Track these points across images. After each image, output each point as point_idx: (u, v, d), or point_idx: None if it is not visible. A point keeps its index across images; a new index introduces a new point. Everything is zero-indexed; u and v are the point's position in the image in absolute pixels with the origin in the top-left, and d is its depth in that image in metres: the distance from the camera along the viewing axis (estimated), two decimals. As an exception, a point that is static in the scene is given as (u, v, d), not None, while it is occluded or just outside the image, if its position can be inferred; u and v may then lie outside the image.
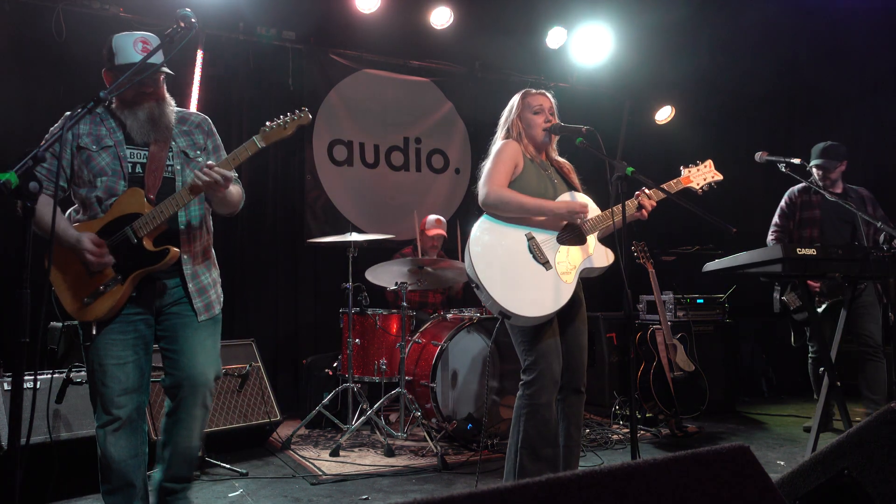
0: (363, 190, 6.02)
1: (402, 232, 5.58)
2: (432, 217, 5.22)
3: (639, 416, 4.56)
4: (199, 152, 2.47)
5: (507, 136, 2.90)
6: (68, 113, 2.17)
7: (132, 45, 2.27)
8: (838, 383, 3.08)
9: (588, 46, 6.35)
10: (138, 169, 2.34)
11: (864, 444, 1.43)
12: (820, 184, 4.32)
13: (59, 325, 3.81)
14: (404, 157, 6.24)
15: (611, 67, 6.57)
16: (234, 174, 2.35)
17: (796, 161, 3.40)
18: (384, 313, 4.48)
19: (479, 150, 6.25)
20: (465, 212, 6.19)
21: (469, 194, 6.27)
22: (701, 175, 2.95)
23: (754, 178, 5.94)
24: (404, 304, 4.30)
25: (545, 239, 2.74)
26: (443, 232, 5.15)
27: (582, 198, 2.87)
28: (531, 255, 2.70)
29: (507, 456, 2.75)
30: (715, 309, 5.35)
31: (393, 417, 4.72)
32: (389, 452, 3.92)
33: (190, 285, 2.41)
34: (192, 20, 2.13)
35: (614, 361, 5.23)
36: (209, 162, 2.31)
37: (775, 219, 4.60)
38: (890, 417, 1.42)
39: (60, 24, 4.65)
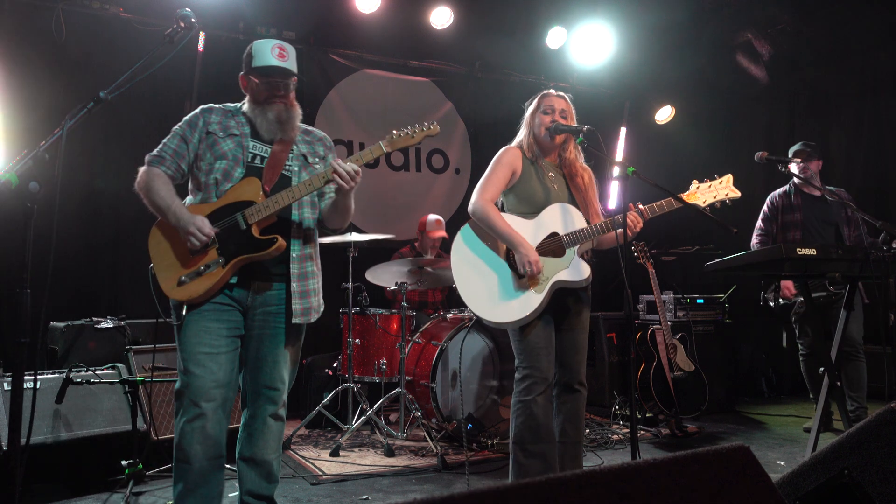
0: (363, 190, 5.95)
1: (402, 232, 5.58)
2: (432, 217, 5.21)
3: (639, 416, 4.56)
4: (318, 160, 2.52)
5: (519, 136, 2.97)
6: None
7: (269, 50, 2.35)
8: (838, 383, 3.09)
9: (588, 46, 6.34)
10: (258, 161, 2.38)
11: (864, 444, 1.43)
12: (802, 177, 4.33)
13: (60, 325, 3.84)
14: (404, 157, 6.24)
15: (611, 67, 6.57)
16: (358, 173, 2.35)
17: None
18: (384, 313, 4.48)
19: (479, 150, 6.32)
20: (465, 212, 6.13)
21: (469, 195, 6.24)
22: (712, 192, 2.76)
23: (754, 178, 5.94)
24: (404, 304, 4.30)
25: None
26: (444, 234, 5.15)
27: (574, 211, 2.86)
28: (506, 264, 2.80)
29: (510, 454, 2.83)
30: (715, 309, 5.35)
31: (393, 417, 4.72)
32: (389, 452, 3.92)
33: (294, 285, 2.37)
34: (193, 20, 2.16)
35: (614, 361, 5.23)
36: (335, 160, 2.38)
37: (758, 223, 4.66)
38: (890, 417, 1.42)
39: (60, 24, 4.64)
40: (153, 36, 4.75)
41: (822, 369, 3.13)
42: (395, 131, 2.42)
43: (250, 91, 2.42)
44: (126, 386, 3.31)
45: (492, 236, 2.84)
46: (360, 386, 4.44)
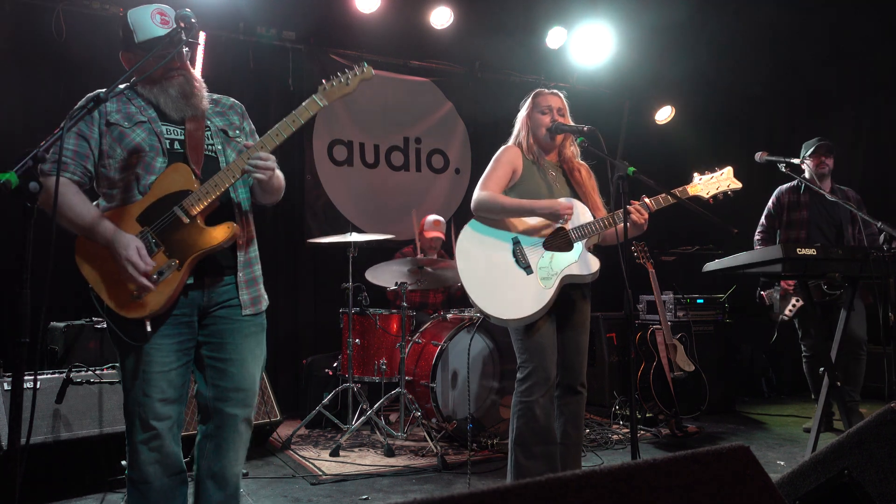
0: (363, 190, 6.02)
1: (402, 232, 5.58)
2: (431, 218, 5.22)
3: (639, 416, 4.56)
4: (237, 132, 2.28)
5: (517, 135, 2.95)
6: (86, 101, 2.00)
7: (150, 19, 2.07)
8: (838, 383, 3.09)
9: (588, 46, 6.34)
10: (177, 146, 2.12)
11: (864, 444, 1.43)
12: (815, 175, 4.31)
13: (60, 325, 3.83)
14: (404, 157, 6.24)
15: (611, 67, 6.57)
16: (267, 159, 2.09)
17: (796, 161, 3.40)
18: (384, 313, 4.48)
19: (479, 150, 6.32)
20: (465, 212, 6.18)
21: (469, 194, 6.24)
22: (714, 183, 2.79)
23: (755, 178, 5.94)
24: (404, 304, 4.30)
25: (531, 244, 2.79)
26: (440, 234, 5.15)
27: (578, 205, 2.84)
28: (514, 260, 2.77)
29: (508, 455, 2.80)
30: (715, 309, 5.35)
31: (393, 417, 4.72)
32: (389, 452, 3.92)
33: (241, 274, 2.17)
34: (192, 20, 2.09)
35: (614, 361, 5.23)
36: (247, 142, 2.15)
37: (762, 219, 4.62)
38: (890, 417, 1.42)
39: (60, 24, 4.65)
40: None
41: (821, 369, 3.13)
42: (325, 82, 2.15)
43: (142, 70, 2.06)
44: (126, 386, 3.30)
45: (496, 233, 2.80)
46: (359, 386, 4.44)
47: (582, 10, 6.17)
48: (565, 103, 2.93)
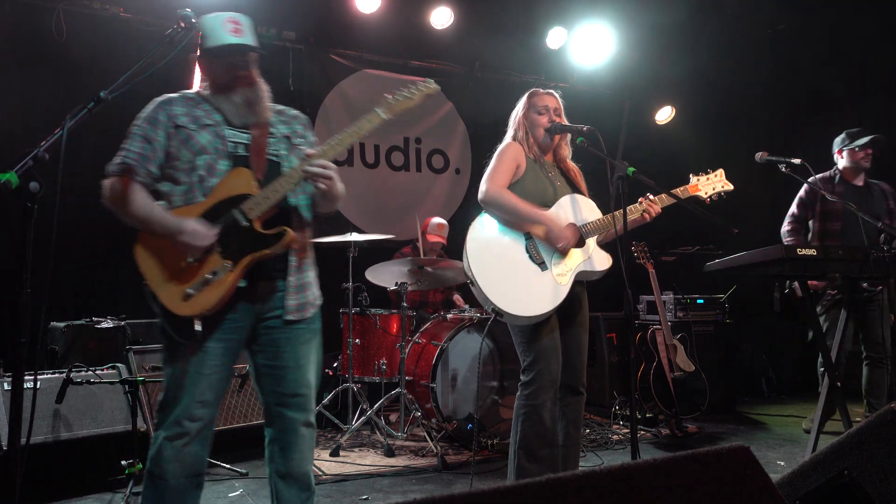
0: (363, 190, 6.01)
1: (403, 232, 5.58)
2: (435, 221, 5.21)
3: (639, 417, 4.56)
4: (300, 139, 2.30)
5: (514, 135, 2.93)
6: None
7: (222, 27, 2.11)
8: (838, 384, 3.08)
9: (588, 46, 6.35)
10: (240, 150, 2.14)
11: (864, 444, 1.43)
12: (854, 167, 4.22)
13: (60, 325, 3.84)
14: (404, 157, 6.24)
15: (611, 67, 6.57)
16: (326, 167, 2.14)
17: (796, 161, 3.38)
18: (384, 313, 4.48)
19: (479, 150, 6.31)
20: (466, 212, 6.18)
21: (469, 195, 6.26)
22: (710, 184, 2.88)
23: (755, 178, 5.94)
24: (404, 304, 4.30)
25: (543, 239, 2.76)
26: (442, 240, 5.15)
27: (585, 202, 2.86)
28: (528, 255, 2.73)
29: (509, 456, 2.77)
30: (715, 309, 5.35)
31: (393, 417, 4.72)
32: (389, 452, 3.92)
33: (291, 279, 2.17)
34: (193, 20, 2.10)
35: (614, 362, 5.23)
36: (308, 150, 2.17)
37: (793, 209, 4.42)
38: (890, 417, 1.42)
39: (60, 24, 4.64)
40: (153, 36, 4.75)
41: (821, 369, 3.13)
42: (388, 96, 2.20)
43: (209, 75, 2.17)
44: (126, 386, 3.30)
45: (508, 229, 2.76)
46: (360, 386, 4.44)
47: (582, 10, 6.17)
48: (561, 103, 2.93)
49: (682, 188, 2.88)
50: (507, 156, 2.83)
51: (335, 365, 4.67)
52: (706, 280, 4.18)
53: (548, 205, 2.81)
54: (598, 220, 2.79)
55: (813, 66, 6.05)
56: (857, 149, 4.25)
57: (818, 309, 4.27)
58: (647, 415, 4.58)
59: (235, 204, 2.07)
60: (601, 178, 2.99)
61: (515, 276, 2.68)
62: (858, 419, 4.21)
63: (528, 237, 2.75)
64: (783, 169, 3.41)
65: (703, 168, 2.94)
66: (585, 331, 2.87)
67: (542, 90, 2.94)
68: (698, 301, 5.28)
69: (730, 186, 2.88)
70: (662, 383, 4.43)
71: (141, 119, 2.13)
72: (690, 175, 2.92)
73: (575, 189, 2.93)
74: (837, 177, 4.33)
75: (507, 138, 2.95)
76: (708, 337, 5.22)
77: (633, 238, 4.45)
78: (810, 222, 4.39)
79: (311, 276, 2.27)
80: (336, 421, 4.45)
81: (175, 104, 2.14)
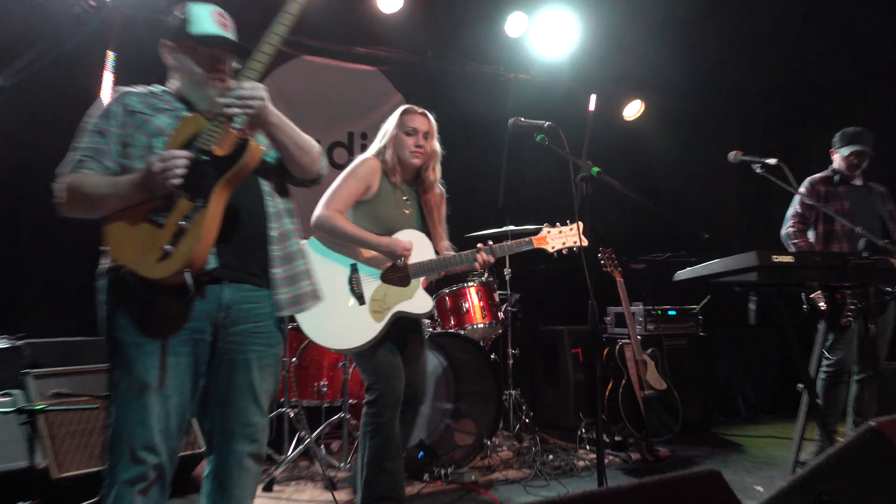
0: (299, 191, 5.92)
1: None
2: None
3: (606, 440, 4.61)
4: None
5: (379, 151, 3.10)
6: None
7: (210, 16, 2.19)
8: (817, 400, 3.16)
9: (551, 35, 6.40)
10: None
11: (843, 466, 1.46)
12: (851, 167, 4.40)
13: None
14: (348, 153, 6.20)
15: (575, 58, 6.63)
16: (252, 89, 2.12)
17: (772, 161, 3.47)
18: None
19: (432, 146, 6.30)
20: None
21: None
22: (561, 238, 3.01)
23: (727, 179, 6.09)
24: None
25: (368, 273, 2.95)
26: None
27: (422, 240, 3.03)
28: (349, 287, 2.92)
29: (356, 471, 3.03)
30: (688, 321, 5.43)
31: (335, 446, 4.66)
32: (330, 486, 3.86)
33: (277, 270, 2.12)
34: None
35: (580, 380, 5.28)
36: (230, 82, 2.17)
37: (794, 210, 4.48)
38: (870, 437, 1.46)
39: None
40: (57, 16, 4.60)
41: (799, 386, 3.21)
42: None
43: (189, 60, 2.17)
44: (23, 416, 3.17)
45: (335, 256, 2.95)
46: (297, 411, 4.37)
47: (544, -6, 6.23)
48: (433, 126, 3.10)
49: (527, 239, 3.01)
50: (358, 175, 3.01)
51: (269, 388, 4.59)
52: (679, 289, 4.25)
53: (387, 233, 2.98)
54: (429, 261, 2.95)
55: (791, 63, 6.24)
56: (843, 150, 4.44)
57: (841, 321, 4.27)
58: (616, 438, 4.63)
59: (191, 145, 2.01)
60: (564, 178, 3.01)
61: (331, 307, 2.81)
62: (840, 439, 4.34)
63: (354, 269, 2.93)
64: (757, 170, 3.49)
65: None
66: (417, 362, 3.08)
67: (417, 109, 3.12)
68: (670, 312, 5.36)
69: (584, 242, 2.97)
70: (632, 403, 4.49)
71: (93, 114, 2.13)
72: (545, 225, 3.03)
73: (424, 223, 3.11)
74: (837, 176, 4.49)
75: (370, 151, 3.11)
76: (681, 351, 5.30)
77: (599, 244, 4.50)
78: (816, 222, 4.49)
79: (303, 265, 2.24)
80: (270, 451, 4.36)
81: (130, 95, 2.16)
